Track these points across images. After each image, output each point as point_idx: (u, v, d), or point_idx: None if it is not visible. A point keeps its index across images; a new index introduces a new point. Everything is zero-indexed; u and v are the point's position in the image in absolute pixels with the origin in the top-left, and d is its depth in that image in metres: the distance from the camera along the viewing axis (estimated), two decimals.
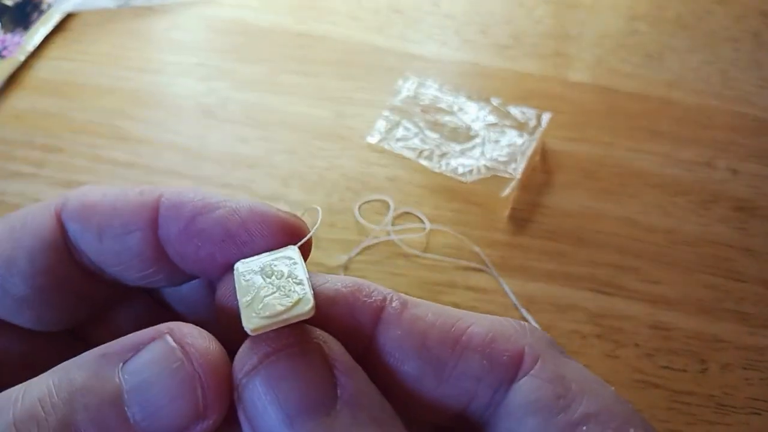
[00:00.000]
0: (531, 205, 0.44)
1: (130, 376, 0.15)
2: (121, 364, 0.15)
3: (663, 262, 0.41)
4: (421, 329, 0.16)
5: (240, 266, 0.17)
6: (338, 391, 0.15)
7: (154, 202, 0.18)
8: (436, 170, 0.44)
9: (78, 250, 0.19)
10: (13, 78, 0.49)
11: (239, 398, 0.15)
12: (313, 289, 0.16)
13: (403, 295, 0.17)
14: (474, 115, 0.47)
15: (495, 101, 0.47)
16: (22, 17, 0.53)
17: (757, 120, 0.49)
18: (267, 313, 0.15)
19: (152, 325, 0.17)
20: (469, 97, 0.48)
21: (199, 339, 0.15)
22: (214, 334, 0.16)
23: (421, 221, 0.42)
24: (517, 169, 0.43)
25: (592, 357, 0.37)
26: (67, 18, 0.53)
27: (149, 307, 0.22)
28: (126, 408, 0.14)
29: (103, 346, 0.16)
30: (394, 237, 0.41)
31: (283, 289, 0.16)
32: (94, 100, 0.48)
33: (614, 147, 0.47)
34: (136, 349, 0.15)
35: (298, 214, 0.19)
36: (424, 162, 0.44)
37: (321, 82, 0.50)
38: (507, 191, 0.42)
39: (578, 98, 0.50)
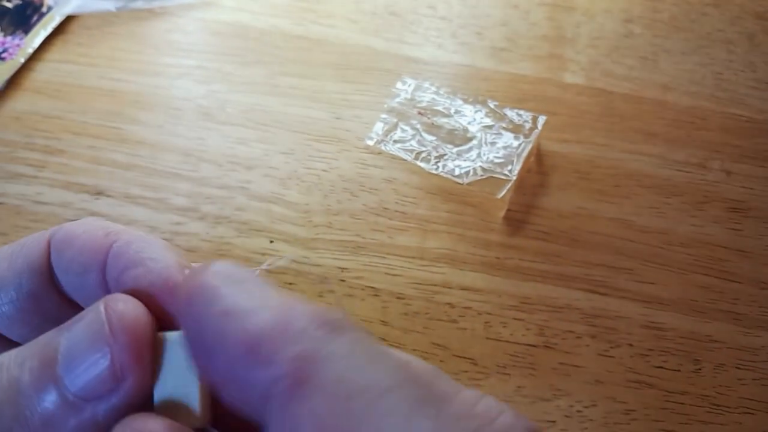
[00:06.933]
0: (526, 206, 0.44)
1: (65, 340, 0.16)
2: (66, 332, 0.16)
3: (657, 262, 0.42)
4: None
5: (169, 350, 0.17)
6: None
7: (108, 247, 0.19)
8: (433, 172, 0.44)
9: (57, 278, 0.20)
10: (14, 80, 0.50)
11: None
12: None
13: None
14: (470, 117, 0.47)
15: (491, 104, 0.48)
16: (22, 20, 0.53)
17: (751, 121, 0.49)
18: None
19: None
20: (466, 100, 0.48)
21: (121, 304, 0.16)
22: None
23: (418, 222, 0.43)
24: (513, 171, 0.43)
25: (587, 357, 0.38)
26: (67, 20, 0.54)
27: None
28: (57, 367, 0.15)
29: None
30: (389, 239, 0.41)
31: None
32: (94, 102, 0.49)
33: (608, 148, 0.47)
34: (80, 319, 0.16)
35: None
36: (421, 164, 0.45)
37: (319, 84, 0.50)
38: (503, 193, 0.42)
39: (573, 100, 0.50)
